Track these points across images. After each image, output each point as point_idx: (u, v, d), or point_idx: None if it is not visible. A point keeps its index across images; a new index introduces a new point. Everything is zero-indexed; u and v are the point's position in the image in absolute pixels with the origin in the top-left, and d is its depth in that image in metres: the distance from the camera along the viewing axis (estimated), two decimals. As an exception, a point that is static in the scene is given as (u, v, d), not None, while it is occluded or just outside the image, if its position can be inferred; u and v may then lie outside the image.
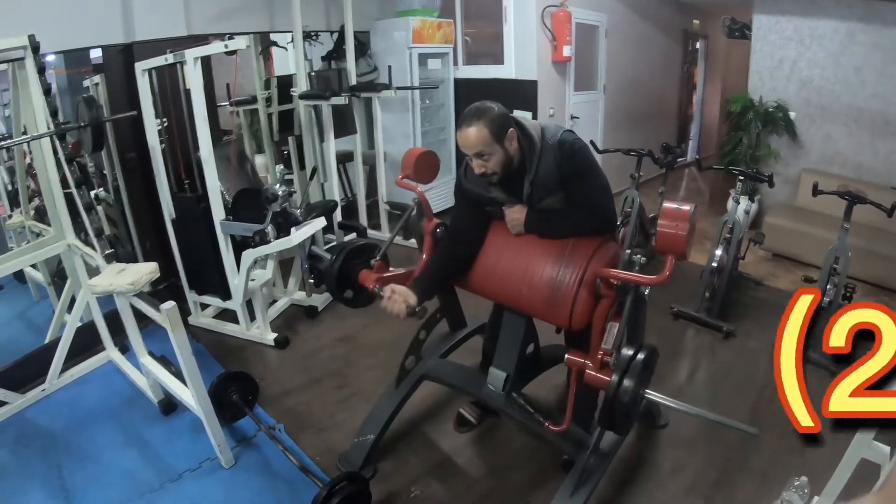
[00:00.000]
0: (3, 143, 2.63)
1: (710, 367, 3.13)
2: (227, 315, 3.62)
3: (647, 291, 1.79)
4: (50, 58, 3.40)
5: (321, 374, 3.15)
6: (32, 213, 3.19)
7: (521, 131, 1.90)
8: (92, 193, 3.91)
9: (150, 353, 2.90)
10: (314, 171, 3.89)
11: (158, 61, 2.82)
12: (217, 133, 3.82)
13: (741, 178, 3.47)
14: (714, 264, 3.30)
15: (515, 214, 1.99)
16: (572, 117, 4.94)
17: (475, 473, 2.44)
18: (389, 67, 4.21)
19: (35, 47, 2.38)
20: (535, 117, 4.61)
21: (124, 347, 3.29)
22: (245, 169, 3.90)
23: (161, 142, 3.14)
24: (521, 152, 1.90)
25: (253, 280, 3.44)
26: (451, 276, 2.15)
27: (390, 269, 2.34)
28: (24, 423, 2.75)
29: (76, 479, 2.45)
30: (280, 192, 2.92)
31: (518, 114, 4.56)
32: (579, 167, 1.89)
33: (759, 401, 2.76)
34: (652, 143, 4.04)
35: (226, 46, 2.63)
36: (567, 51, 4.58)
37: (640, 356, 1.62)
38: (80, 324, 3.05)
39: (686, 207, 1.62)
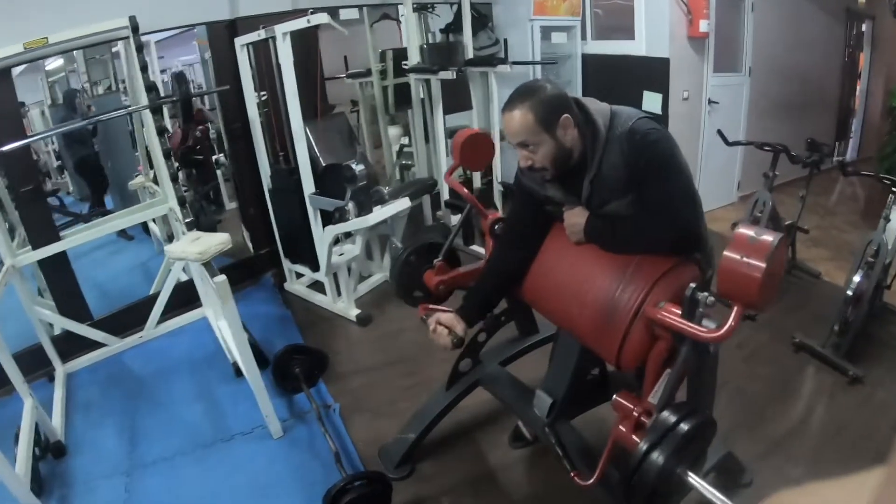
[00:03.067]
0: (102, 116, 2.76)
1: (823, 417, 2.45)
2: (320, 285, 3.64)
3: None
4: (199, 29, 3.56)
5: (394, 358, 3.02)
6: (152, 175, 3.40)
7: (584, 116, 1.50)
8: (213, 158, 4.17)
9: (229, 317, 2.96)
10: (401, 148, 3.71)
11: (253, 37, 2.80)
12: (324, 106, 3.78)
13: (895, 188, 2.64)
14: (850, 293, 2.56)
15: (575, 219, 1.60)
16: (710, 102, 4.16)
17: (515, 496, 2.17)
18: (505, 41, 3.86)
19: (135, 27, 2.45)
20: (666, 99, 3.97)
21: (221, 305, 3.44)
22: (352, 143, 3.83)
23: (261, 114, 3.16)
24: (583, 143, 1.51)
25: (341, 255, 3.39)
26: (502, 291, 1.87)
27: (457, 268, 2.13)
28: (118, 365, 2.99)
29: (145, 423, 2.61)
30: (358, 171, 2.78)
31: (648, 95, 4.00)
32: (652, 164, 1.44)
33: (874, 466, 2.07)
34: (804, 139, 3.25)
35: (308, 21, 2.51)
36: (704, 26, 3.84)
37: (684, 426, 1.21)
38: (184, 279, 3.22)
39: (769, 238, 1.13)
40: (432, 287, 2.07)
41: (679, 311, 1.31)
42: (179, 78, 2.50)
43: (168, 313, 3.16)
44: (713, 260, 1.69)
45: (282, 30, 2.62)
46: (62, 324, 2.85)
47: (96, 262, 3.73)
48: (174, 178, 2.51)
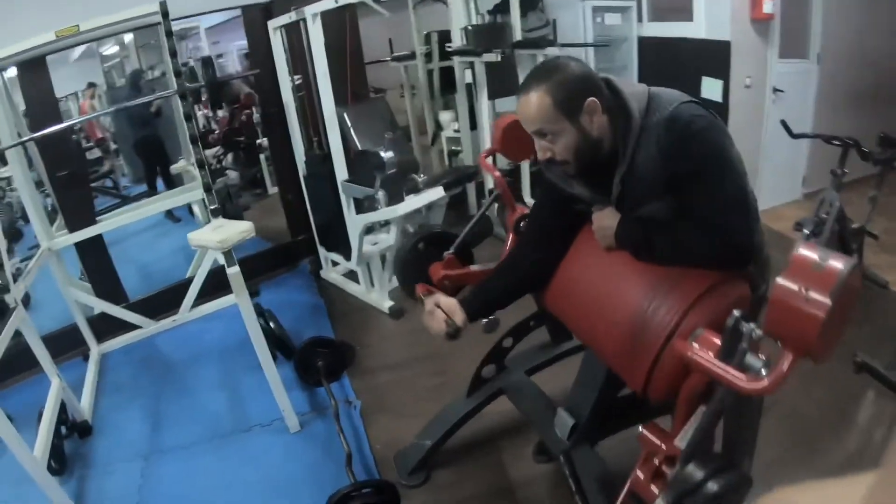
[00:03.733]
0: (135, 100, 2.71)
1: (878, 449, 2.06)
2: (355, 275, 3.51)
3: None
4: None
5: (423, 355, 2.85)
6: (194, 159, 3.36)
7: (616, 101, 1.25)
8: (257, 142, 4.12)
9: (257, 305, 2.86)
10: (435, 135, 3.50)
11: (285, 19, 2.67)
12: (364, 90, 3.62)
13: None
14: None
15: (604, 221, 1.35)
16: (775, 90, 3.69)
17: (532, 516, 1.96)
18: (554, 21, 3.55)
19: (164, 13, 2.38)
20: (727, 86, 3.54)
21: (256, 292, 3.39)
22: (393, 128, 3.65)
23: (296, 98, 3.04)
24: (614, 132, 1.26)
25: (375, 244, 3.26)
26: (513, 293, 1.58)
27: (470, 266, 1.93)
28: (151, 347, 2.98)
29: (169, 409, 2.59)
30: (386, 158, 2.61)
31: (707, 82, 3.60)
32: (696, 160, 1.16)
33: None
34: (876, 133, 2.80)
35: (336, 1, 2.34)
36: (769, 6, 3.36)
37: (712, 487, 0.97)
38: (222, 263, 3.17)
39: (838, 265, 0.85)
40: (436, 281, 1.83)
41: (718, 342, 1.06)
42: (206, 63, 2.41)
43: (203, 297, 3.11)
44: (769, 272, 1.41)
45: (311, 11, 2.48)
46: (96, 305, 2.86)
47: (143, 243, 3.77)
48: (200, 164, 2.42)
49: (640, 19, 4.07)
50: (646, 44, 4.09)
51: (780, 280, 0.88)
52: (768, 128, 3.70)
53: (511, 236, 1.85)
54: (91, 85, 4.92)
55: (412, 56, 3.94)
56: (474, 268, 1.88)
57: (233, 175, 4.18)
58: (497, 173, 1.91)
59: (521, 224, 1.79)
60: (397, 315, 3.20)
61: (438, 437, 2.11)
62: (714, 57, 3.52)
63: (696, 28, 3.64)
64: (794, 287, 0.86)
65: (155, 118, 4.33)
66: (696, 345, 1.13)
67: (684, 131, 1.17)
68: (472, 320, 1.48)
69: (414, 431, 2.21)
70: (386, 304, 3.23)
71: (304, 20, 2.57)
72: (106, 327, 2.94)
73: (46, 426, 2.17)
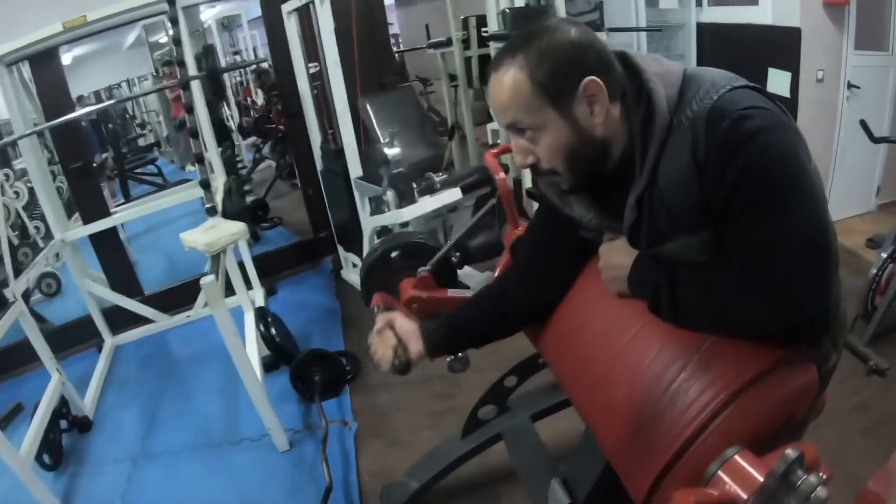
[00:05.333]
0: (139, 94, 2.49)
1: None
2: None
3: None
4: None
5: (433, 374, 2.43)
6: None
7: (633, 84, 0.81)
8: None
9: (261, 309, 2.62)
10: (453, 128, 3.08)
11: (296, 2, 2.36)
12: (393, 79, 3.25)
13: None
14: None
15: (614, 258, 0.91)
16: (850, 86, 2.96)
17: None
18: (601, 3, 3.00)
19: (171, 0, 2.14)
20: (796, 79, 2.88)
21: (273, 290, 3.17)
22: (423, 120, 3.27)
23: (313, 88, 2.73)
24: (630, 130, 0.82)
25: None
26: (497, 328, 1.12)
27: (448, 291, 1.55)
28: (160, 343, 2.84)
29: (166, 411, 2.44)
30: (391, 154, 2.25)
31: (774, 74, 2.96)
32: (748, 177, 0.72)
33: None
34: None
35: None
36: None
37: None
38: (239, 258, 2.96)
39: None
40: (404, 301, 1.52)
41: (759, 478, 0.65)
42: (207, 52, 2.15)
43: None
44: (843, 336, 0.96)
45: (318, -7, 2.15)
46: (109, 297, 2.73)
47: (178, 231, 3.64)
48: (199, 159, 2.18)
49: (699, 3, 3.41)
50: (705, 31, 3.44)
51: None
52: (842, 128, 3.02)
53: (506, 257, 1.46)
54: (167, 63, 4.94)
55: (448, 43, 3.51)
56: (451, 292, 1.48)
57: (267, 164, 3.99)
58: (502, 175, 1.51)
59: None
60: (413, 326, 2.87)
61: (426, 480, 1.79)
62: (782, 46, 2.87)
63: (762, 13, 2.99)
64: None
65: (218, 103, 4.20)
66: (723, 477, 0.71)
67: (733, 132, 0.72)
68: (431, 354, 1.05)
69: (407, 463, 1.90)
70: (404, 311, 2.91)
71: (313, 3, 2.25)
72: (121, 320, 2.83)
73: (38, 423, 2.05)
